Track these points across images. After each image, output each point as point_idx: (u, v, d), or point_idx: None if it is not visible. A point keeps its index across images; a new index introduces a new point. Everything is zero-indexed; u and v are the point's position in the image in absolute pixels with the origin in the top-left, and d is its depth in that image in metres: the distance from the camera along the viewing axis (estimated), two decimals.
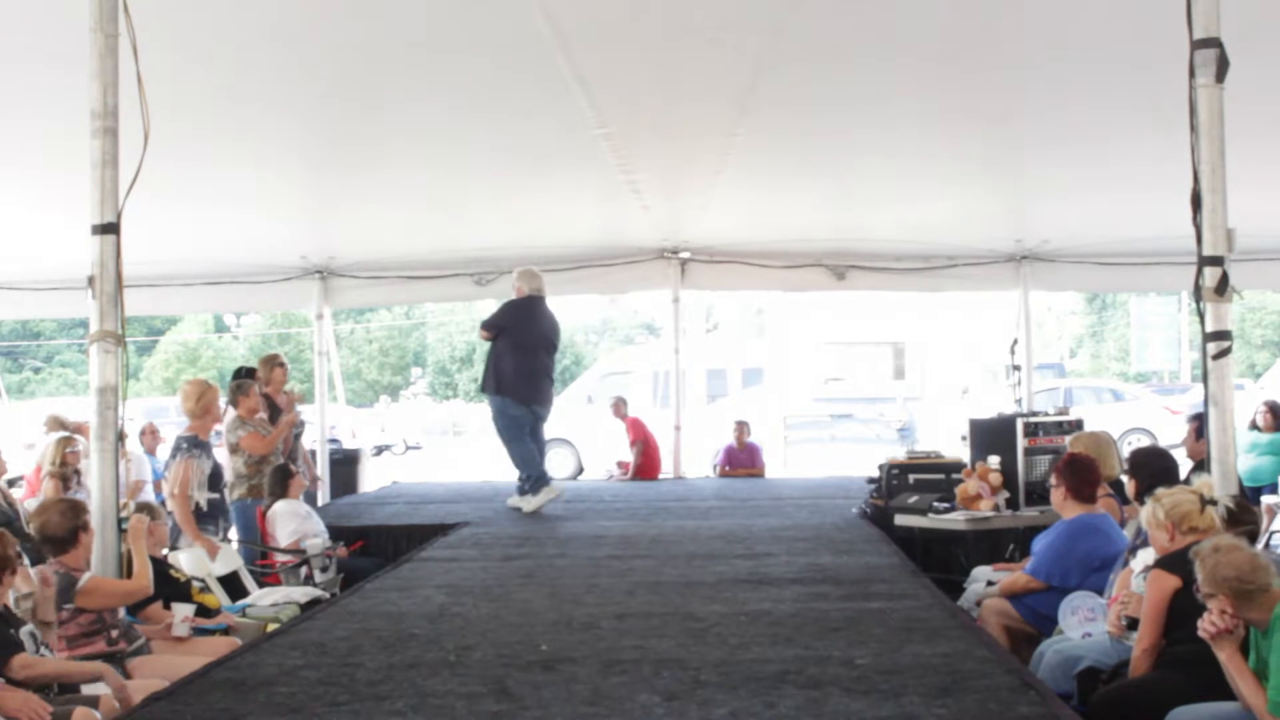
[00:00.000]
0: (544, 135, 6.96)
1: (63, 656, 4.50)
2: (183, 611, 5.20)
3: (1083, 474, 5.51)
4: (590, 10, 5.07)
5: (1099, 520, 5.45)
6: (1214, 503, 4.20)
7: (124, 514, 5.62)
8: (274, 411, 8.24)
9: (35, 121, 6.13)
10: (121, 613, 5.01)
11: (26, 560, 5.79)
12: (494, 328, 8.56)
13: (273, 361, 8.62)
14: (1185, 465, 6.61)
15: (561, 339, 9.19)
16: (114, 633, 4.83)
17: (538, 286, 8.64)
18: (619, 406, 12.22)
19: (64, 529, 4.78)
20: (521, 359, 8.43)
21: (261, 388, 8.18)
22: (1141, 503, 5.14)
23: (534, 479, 8.44)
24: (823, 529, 7.43)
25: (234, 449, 7.66)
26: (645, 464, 11.59)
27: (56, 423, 9.13)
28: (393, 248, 10.34)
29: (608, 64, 5.69)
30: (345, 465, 11.28)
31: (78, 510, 4.90)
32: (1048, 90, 6.11)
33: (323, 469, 10.87)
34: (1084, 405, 19.49)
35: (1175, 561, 4.05)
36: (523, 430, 8.44)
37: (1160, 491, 4.44)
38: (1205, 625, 3.51)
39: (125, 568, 4.90)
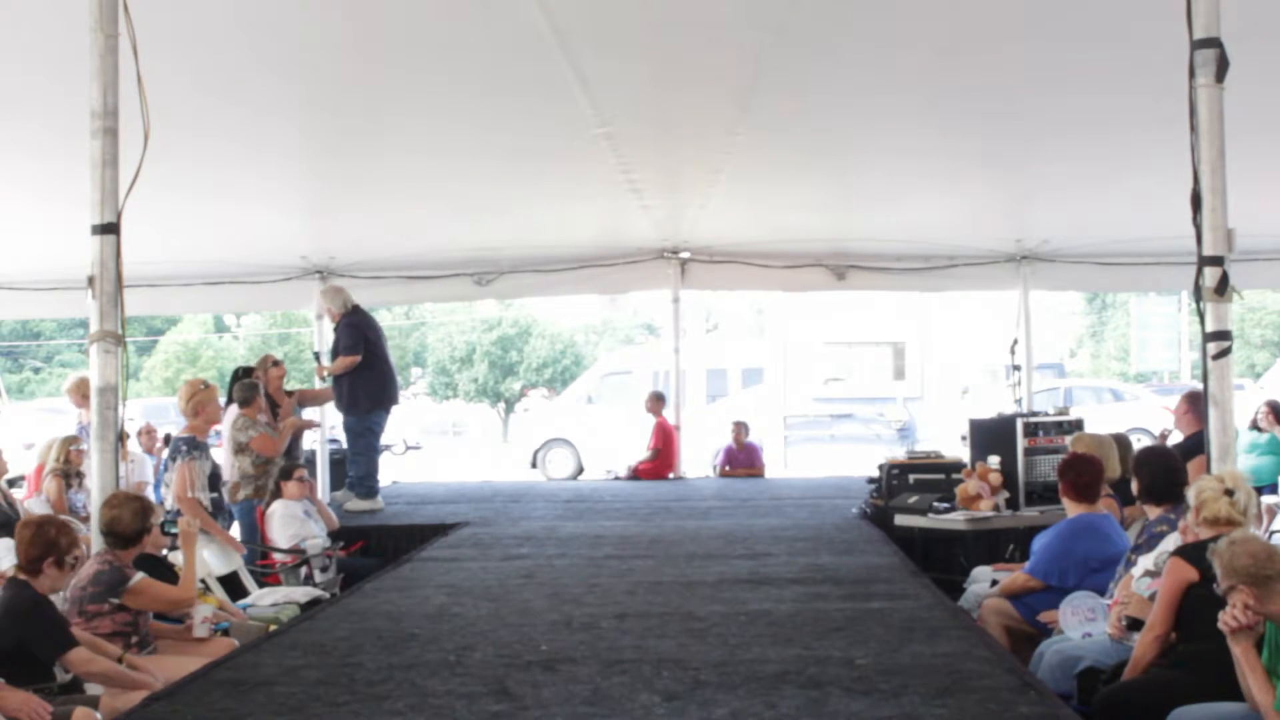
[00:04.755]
0: (544, 135, 6.95)
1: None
2: (203, 612, 5.20)
3: (1083, 473, 5.50)
4: (590, 10, 5.06)
5: (1099, 520, 5.45)
6: (1231, 493, 4.17)
7: (169, 518, 5.71)
8: (275, 409, 8.37)
9: (35, 121, 6.13)
10: (150, 618, 5.02)
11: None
12: (356, 350, 8.88)
13: (267, 362, 8.76)
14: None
15: (561, 339, 9.49)
16: (134, 638, 4.83)
17: (348, 298, 9.26)
18: (655, 403, 11.76)
19: (132, 529, 4.83)
20: (382, 368, 9.11)
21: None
22: (1149, 501, 5.13)
23: (373, 488, 9.09)
24: (823, 529, 7.43)
25: (241, 449, 7.64)
26: (657, 466, 11.53)
27: (83, 388, 9.13)
28: (393, 248, 10.33)
29: (608, 64, 5.68)
30: (345, 465, 11.26)
31: (147, 513, 4.96)
32: (1048, 90, 6.11)
33: (323, 469, 10.87)
34: (1084, 405, 19.46)
35: (1196, 554, 4.02)
36: (378, 442, 9.29)
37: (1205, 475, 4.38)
38: (1226, 619, 3.49)
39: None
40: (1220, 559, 3.56)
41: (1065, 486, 5.53)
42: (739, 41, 5.40)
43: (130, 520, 4.80)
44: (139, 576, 4.80)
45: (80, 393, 9.28)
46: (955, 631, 4.49)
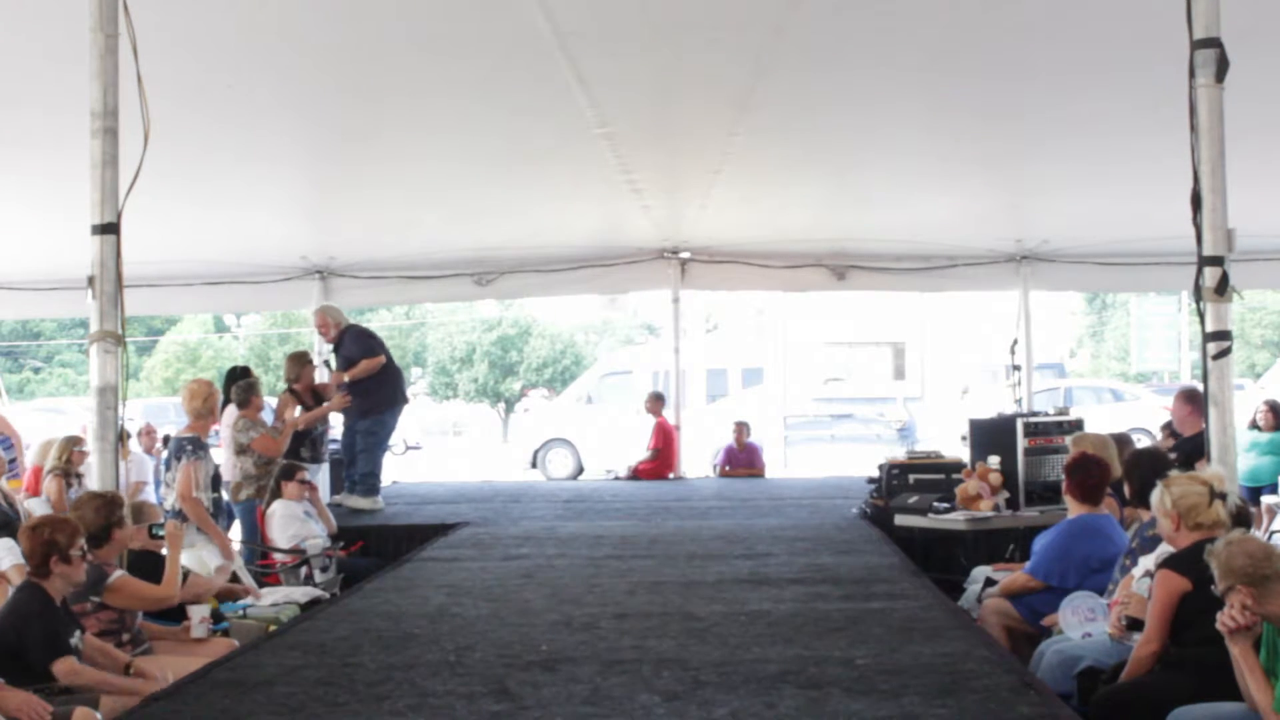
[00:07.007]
0: (544, 135, 6.96)
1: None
2: (199, 613, 5.19)
3: (1091, 474, 5.47)
4: (590, 10, 5.07)
5: (1100, 521, 5.44)
6: (1223, 497, 4.15)
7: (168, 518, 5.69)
8: (319, 402, 8.70)
9: (35, 121, 6.13)
10: (139, 616, 5.01)
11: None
12: (375, 352, 8.92)
13: (303, 359, 8.88)
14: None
15: (561, 339, 9.50)
16: (125, 636, 4.83)
17: (343, 315, 9.34)
18: (654, 404, 11.76)
19: (96, 525, 4.76)
20: (392, 370, 9.18)
21: (291, 385, 8.59)
22: (1140, 504, 5.12)
23: (374, 486, 9.09)
24: (823, 529, 7.43)
25: (243, 450, 7.63)
26: (657, 466, 11.53)
27: None
28: (393, 248, 10.34)
29: (608, 64, 5.69)
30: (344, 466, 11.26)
31: (113, 507, 4.87)
32: (1048, 90, 6.11)
33: (324, 469, 10.86)
34: (1084, 405, 19.45)
35: (1185, 562, 4.00)
36: (384, 441, 9.28)
37: (1172, 476, 4.34)
38: (1224, 619, 3.48)
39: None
40: (1218, 559, 3.55)
41: (1071, 486, 5.49)
42: (738, 42, 5.40)
43: (93, 517, 4.74)
44: (118, 574, 4.78)
45: None
46: (955, 631, 4.49)
